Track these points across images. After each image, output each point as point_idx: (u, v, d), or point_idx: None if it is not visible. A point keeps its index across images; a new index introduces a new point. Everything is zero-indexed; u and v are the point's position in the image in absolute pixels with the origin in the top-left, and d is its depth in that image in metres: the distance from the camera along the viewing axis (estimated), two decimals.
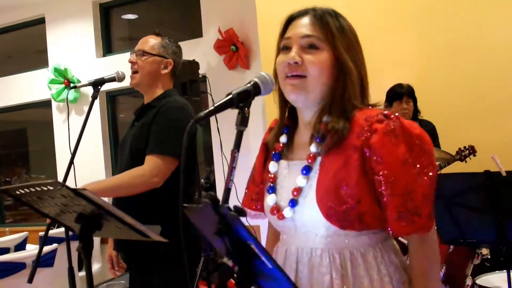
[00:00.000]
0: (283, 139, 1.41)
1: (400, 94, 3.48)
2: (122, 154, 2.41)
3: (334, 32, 1.29)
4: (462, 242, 2.16)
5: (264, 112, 4.42)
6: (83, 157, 5.51)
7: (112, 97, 5.74)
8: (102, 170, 5.51)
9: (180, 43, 5.40)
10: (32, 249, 3.21)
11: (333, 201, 1.23)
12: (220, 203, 0.98)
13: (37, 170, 7.51)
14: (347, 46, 1.30)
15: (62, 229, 4.51)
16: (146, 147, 2.23)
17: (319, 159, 1.29)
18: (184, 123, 2.29)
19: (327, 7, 1.35)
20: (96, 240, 5.34)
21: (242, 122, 1.13)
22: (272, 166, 1.40)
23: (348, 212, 1.22)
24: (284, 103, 1.40)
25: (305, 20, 1.31)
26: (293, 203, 1.30)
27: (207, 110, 1.11)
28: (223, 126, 4.16)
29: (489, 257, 2.51)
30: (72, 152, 2.14)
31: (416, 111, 3.60)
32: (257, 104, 4.51)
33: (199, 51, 5.00)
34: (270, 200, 1.36)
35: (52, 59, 5.84)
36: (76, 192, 1.42)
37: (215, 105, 1.12)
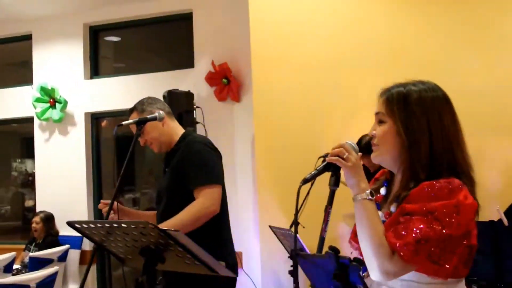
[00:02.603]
0: (382, 191, 1.58)
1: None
2: (160, 200, 2.52)
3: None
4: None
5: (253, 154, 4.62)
6: (65, 178, 5.55)
7: (96, 119, 5.80)
8: (84, 190, 5.55)
9: (172, 72, 5.52)
10: (35, 272, 3.25)
11: None
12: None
13: None
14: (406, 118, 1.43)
15: (44, 251, 4.56)
16: (180, 186, 2.37)
17: None
18: (206, 153, 2.42)
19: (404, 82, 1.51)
20: (75, 260, 5.34)
21: (335, 183, 1.38)
22: None
23: None
24: None
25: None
26: None
27: (312, 174, 1.35)
28: None
29: None
30: (117, 183, 2.22)
31: None
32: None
33: (190, 81, 5.14)
34: None
35: (37, 77, 5.79)
36: (166, 233, 1.58)
37: (317, 169, 1.37)
